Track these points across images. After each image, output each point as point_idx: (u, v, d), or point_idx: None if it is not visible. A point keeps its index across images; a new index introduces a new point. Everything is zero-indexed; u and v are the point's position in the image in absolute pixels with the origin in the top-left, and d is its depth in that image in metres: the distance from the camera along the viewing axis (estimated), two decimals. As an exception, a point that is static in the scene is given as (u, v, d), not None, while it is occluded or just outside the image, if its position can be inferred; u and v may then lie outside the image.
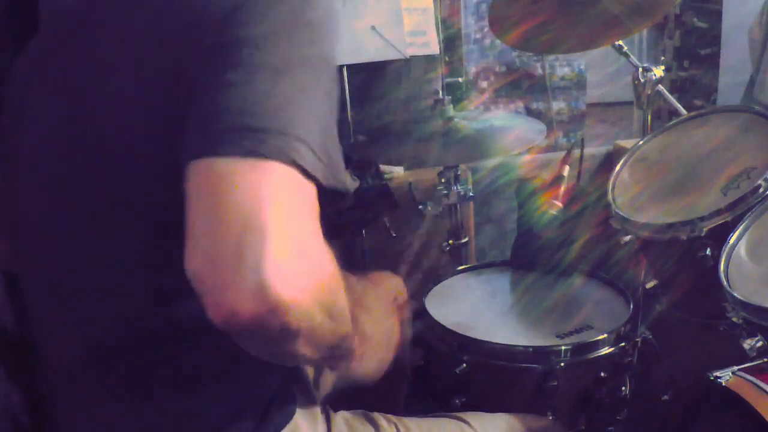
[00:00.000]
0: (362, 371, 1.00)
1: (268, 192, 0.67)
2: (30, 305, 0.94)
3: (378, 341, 1.03)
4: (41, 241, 0.90)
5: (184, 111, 0.72)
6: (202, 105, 0.71)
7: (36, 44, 0.92)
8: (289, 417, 0.94)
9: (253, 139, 0.67)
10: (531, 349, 1.23)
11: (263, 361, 0.89)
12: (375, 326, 1.01)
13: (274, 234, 0.65)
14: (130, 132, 0.78)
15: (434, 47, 2.30)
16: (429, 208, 1.68)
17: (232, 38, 0.72)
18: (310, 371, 1.10)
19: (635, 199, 1.44)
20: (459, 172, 1.69)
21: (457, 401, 1.25)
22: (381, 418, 1.07)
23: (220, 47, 0.72)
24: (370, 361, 1.01)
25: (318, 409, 1.01)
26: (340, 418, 1.04)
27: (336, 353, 0.81)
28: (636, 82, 1.66)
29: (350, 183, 1.24)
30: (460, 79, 3.04)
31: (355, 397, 1.23)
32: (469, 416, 1.13)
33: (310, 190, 0.70)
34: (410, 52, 2.18)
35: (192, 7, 0.76)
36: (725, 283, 1.13)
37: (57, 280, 0.89)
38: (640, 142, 1.56)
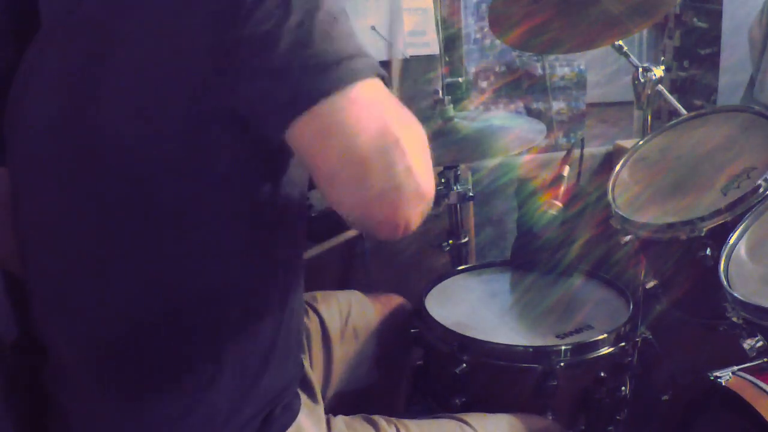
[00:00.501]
0: None
1: (381, 104, 0.76)
2: (33, 304, 0.94)
3: None
4: (41, 240, 0.90)
5: (230, 98, 0.74)
6: (269, 69, 0.73)
7: (37, 43, 0.92)
8: (293, 418, 0.94)
9: (346, 69, 0.73)
10: (531, 349, 1.23)
11: (269, 362, 0.89)
12: None
13: (404, 139, 0.73)
14: (132, 130, 0.78)
15: (434, 47, 2.30)
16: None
17: (247, 35, 0.73)
18: (314, 374, 1.10)
19: (635, 199, 1.44)
20: (459, 172, 1.69)
21: (457, 401, 1.25)
22: (381, 420, 1.07)
23: (257, 28, 0.73)
24: None
25: (321, 411, 1.01)
26: (340, 419, 1.04)
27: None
28: (636, 82, 1.66)
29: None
30: (460, 79, 3.04)
31: (355, 397, 1.23)
32: (469, 417, 1.13)
33: (383, 85, 0.78)
34: (410, 52, 2.18)
35: (195, 3, 0.75)
36: (725, 283, 1.13)
37: (57, 278, 0.89)
38: (640, 142, 1.56)
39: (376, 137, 0.72)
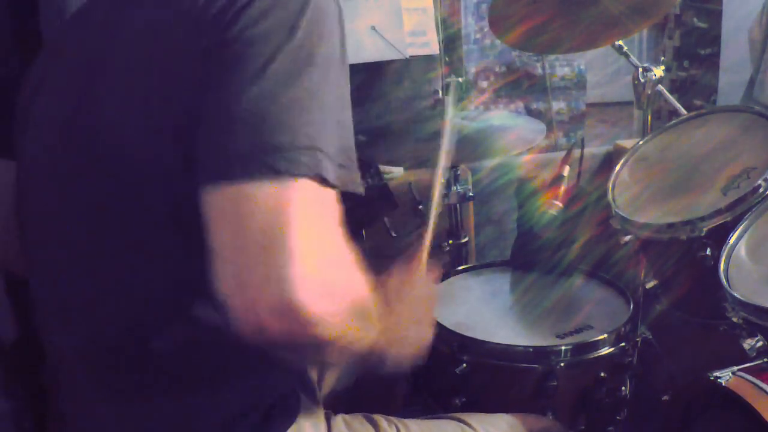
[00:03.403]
0: (395, 358, 0.95)
1: (292, 209, 0.67)
2: (36, 304, 0.94)
3: (411, 329, 0.98)
4: (42, 240, 0.90)
5: (192, 119, 0.71)
6: (222, 120, 0.69)
7: (46, 47, 0.92)
8: (292, 419, 0.94)
9: (272, 158, 0.66)
10: (531, 349, 1.23)
11: (267, 363, 0.89)
12: (407, 313, 0.98)
13: (299, 251, 0.65)
14: (135, 136, 0.78)
15: (434, 47, 2.30)
16: (429, 208, 1.67)
17: (234, 43, 0.71)
18: (313, 372, 1.10)
19: (635, 199, 1.44)
20: (459, 172, 1.69)
21: (457, 401, 1.25)
22: (381, 419, 1.07)
23: (245, 54, 0.70)
24: (405, 346, 0.96)
25: (321, 411, 1.01)
26: (340, 419, 1.04)
27: (366, 354, 0.81)
28: (636, 82, 1.66)
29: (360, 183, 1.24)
30: (460, 79, 3.04)
31: (354, 397, 1.23)
32: (469, 417, 1.13)
33: (332, 198, 0.71)
34: (410, 52, 2.18)
35: (190, 9, 0.75)
36: (725, 283, 1.13)
37: (57, 278, 0.89)
38: (640, 142, 1.56)
39: (272, 238, 0.65)
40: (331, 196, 0.70)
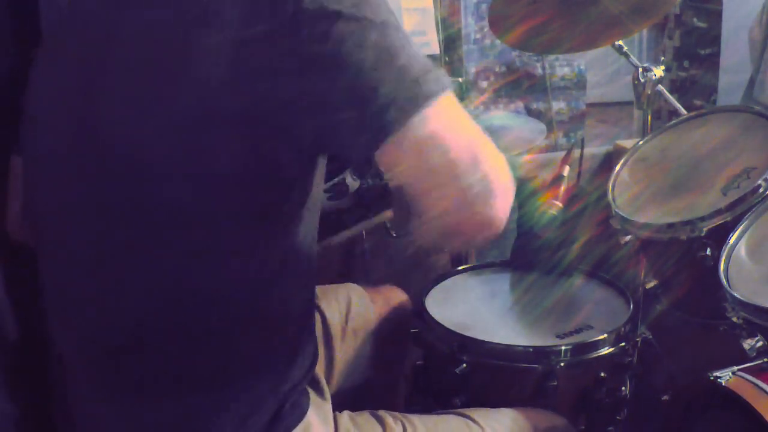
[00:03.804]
0: None
1: (461, 119, 0.80)
2: (43, 301, 0.94)
3: None
4: (48, 238, 0.90)
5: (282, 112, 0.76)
6: (348, 95, 0.75)
7: (47, 42, 0.92)
8: (302, 415, 0.94)
9: (424, 86, 0.76)
10: (531, 349, 1.23)
11: (277, 360, 0.89)
12: None
13: (483, 149, 0.79)
14: (135, 129, 0.78)
15: (434, 47, 2.30)
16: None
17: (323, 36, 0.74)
18: (321, 371, 1.11)
19: (635, 199, 1.44)
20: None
21: (457, 401, 1.25)
22: (387, 416, 1.07)
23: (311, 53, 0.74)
24: None
25: (329, 407, 1.01)
26: (346, 415, 1.05)
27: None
28: (636, 82, 1.66)
29: (350, 183, 1.24)
30: (460, 79, 3.04)
31: (356, 397, 1.23)
32: (473, 412, 1.13)
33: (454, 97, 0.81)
34: (410, 52, 2.18)
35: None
36: (725, 283, 1.13)
37: (63, 277, 0.89)
38: (640, 142, 1.56)
39: (464, 150, 0.77)
40: (451, 96, 0.80)
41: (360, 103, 0.75)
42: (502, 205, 0.80)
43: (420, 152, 0.77)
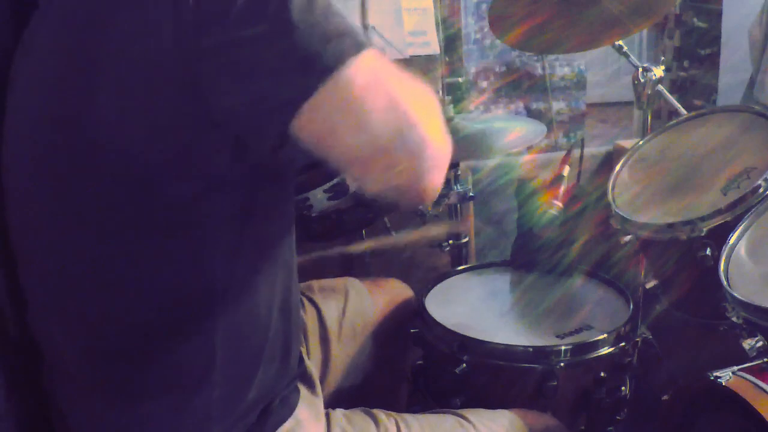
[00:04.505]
0: None
1: (383, 79, 0.75)
2: (30, 306, 0.94)
3: None
4: (36, 241, 0.89)
5: (211, 105, 0.73)
6: (264, 73, 0.72)
7: (27, 34, 0.90)
8: (291, 411, 0.94)
9: (333, 48, 0.71)
10: (531, 349, 1.23)
11: (266, 357, 0.89)
12: None
13: (413, 108, 0.74)
14: (126, 131, 0.78)
15: (434, 47, 2.30)
16: (429, 208, 1.67)
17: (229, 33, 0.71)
18: (314, 369, 1.10)
19: (635, 199, 1.44)
20: (459, 172, 1.69)
21: (456, 401, 1.25)
22: (381, 414, 1.07)
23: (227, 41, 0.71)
24: None
25: (321, 403, 1.01)
26: (339, 413, 1.05)
27: None
28: (636, 82, 1.66)
29: (350, 183, 1.24)
30: (460, 79, 3.04)
31: (355, 396, 1.23)
32: (469, 413, 1.13)
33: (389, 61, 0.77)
34: (410, 52, 2.18)
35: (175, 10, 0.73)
36: (725, 283, 1.13)
37: (53, 280, 0.89)
38: (640, 142, 1.56)
39: (386, 112, 0.72)
40: (377, 53, 0.76)
41: (266, 70, 0.72)
42: (430, 177, 0.75)
43: (334, 120, 0.73)
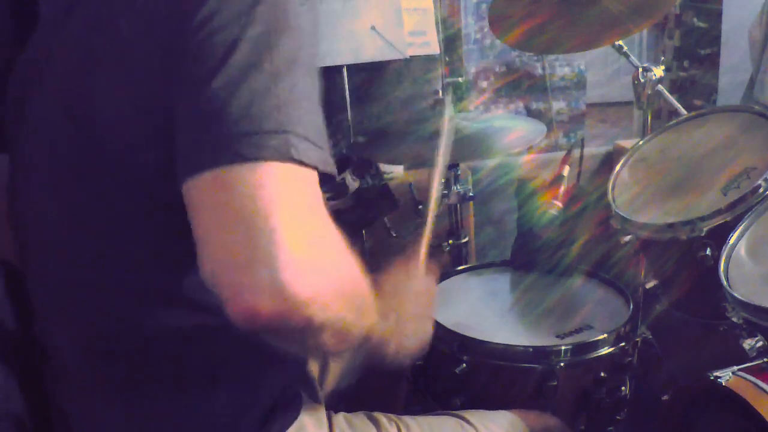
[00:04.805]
0: (396, 353, 0.94)
1: (273, 192, 0.67)
2: (34, 305, 0.94)
3: (411, 324, 0.98)
4: (41, 240, 0.90)
5: (172, 112, 0.72)
6: (191, 113, 0.70)
7: (33, 41, 0.91)
8: (294, 417, 0.94)
9: (249, 144, 0.67)
10: (531, 349, 1.23)
11: (268, 362, 0.89)
12: (407, 308, 0.98)
13: (284, 232, 0.65)
14: (126, 131, 0.78)
15: (434, 47, 2.30)
16: (429, 208, 1.67)
17: (217, 38, 0.70)
18: (314, 370, 1.10)
19: (635, 199, 1.44)
20: (459, 172, 1.69)
21: (456, 401, 1.25)
22: (382, 417, 1.07)
23: (204, 46, 0.70)
24: (405, 341, 0.96)
25: (323, 409, 1.01)
26: (341, 417, 1.04)
27: (364, 343, 0.81)
28: (636, 82, 1.66)
29: (350, 183, 1.24)
30: (460, 79, 3.04)
31: (354, 397, 1.23)
32: (469, 414, 1.13)
33: (313, 180, 0.71)
34: (410, 52, 2.18)
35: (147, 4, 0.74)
36: (725, 283, 1.13)
37: (57, 279, 0.89)
38: (640, 142, 1.56)
39: (255, 222, 0.66)
40: (312, 178, 0.70)
41: (201, 121, 0.69)
42: (259, 306, 0.65)
43: (217, 205, 0.67)
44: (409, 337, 0.96)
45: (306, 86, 0.73)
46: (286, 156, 0.68)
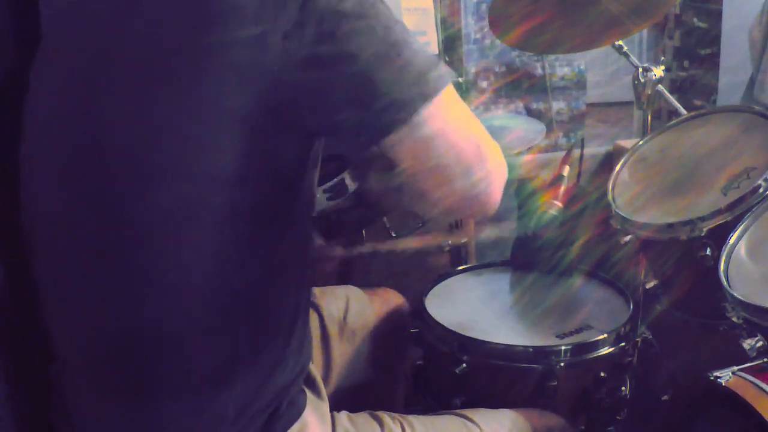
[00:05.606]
0: None
1: (463, 113, 0.84)
2: (39, 303, 0.94)
3: None
4: (44, 239, 0.90)
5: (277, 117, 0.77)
6: (349, 96, 0.78)
7: (42, 49, 0.92)
8: (298, 414, 0.94)
9: (429, 79, 0.79)
10: (531, 349, 1.23)
11: (273, 359, 0.89)
12: None
13: (487, 142, 0.84)
14: (137, 130, 0.78)
15: (434, 47, 2.30)
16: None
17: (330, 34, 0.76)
18: (317, 369, 1.11)
19: (635, 199, 1.44)
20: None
21: (457, 401, 1.25)
22: (385, 416, 1.07)
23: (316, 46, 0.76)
24: None
25: (326, 406, 1.01)
26: (344, 416, 1.05)
27: None
28: (636, 82, 1.66)
29: (350, 183, 1.24)
30: (460, 79, 3.04)
31: (355, 397, 1.23)
32: (472, 413, 1.13)
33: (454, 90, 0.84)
34: (410, 52, 2.18)
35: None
36: (725, 283, 1.13)
37: (59, 278, 0.89)
38: (640, 142, 1.56)
39: (469, 146, 0.81)
40: (451, 89, 0.83)
41: (362, 102, 0.77)
42: (498, 193, 0.85)
43: (424, 150, 0.80)
44: None
45: (408, 35, 0.82)
46: (446, 83, 0.81)
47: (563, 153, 1.72)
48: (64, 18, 0.88)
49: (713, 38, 3.65)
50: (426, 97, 0.78)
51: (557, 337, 1.29)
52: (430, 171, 0.81)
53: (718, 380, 1.04)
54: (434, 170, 0.81)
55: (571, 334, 1.30)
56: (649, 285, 1.47)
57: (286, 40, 0.74)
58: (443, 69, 0.81)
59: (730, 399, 1.02)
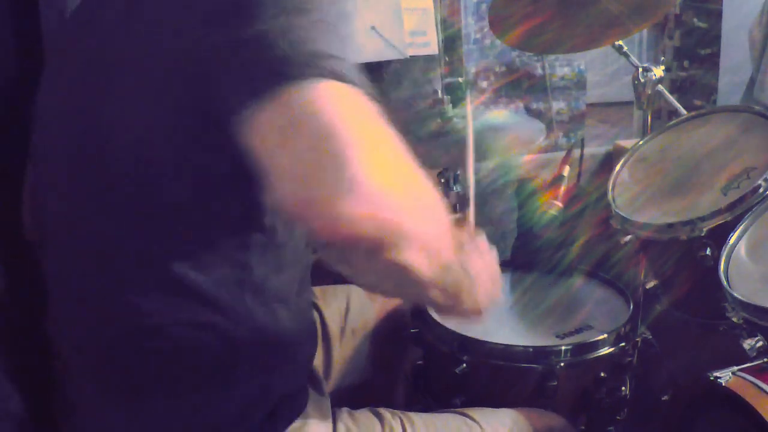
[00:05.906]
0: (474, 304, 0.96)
1: (339, 107, 0.69)
2: (48, 301, 0.94)
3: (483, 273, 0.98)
4: (51, 238, 0.90)
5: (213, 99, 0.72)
6: (242, 57, 0.70)
7: (54, 44, 0.92)
8: (300, 410, 0.94)
9: (293, 68, 0.68)
10: (531, 349, 1.23)
11: (275, 356, 0.89)
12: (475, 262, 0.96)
13: (358, 139, 0.67)
14: (137, 130, 0.78)
15: (434, 47, 2.30)
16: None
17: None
18: (319, 368, 1.11)
19: (635, 199, 1.44)
20: (459, 173, 1.68)
21: (457, 401, 1.25)
22: (386, 413, 1.07)
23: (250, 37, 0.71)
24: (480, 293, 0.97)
25: (328, 403, 1.01)
26: (346, 412, 1.05)
27: (449, 275, 0.80)
28: (636, 82, 1.66)
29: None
30: (460, 79, 3.04)
31: (355, 396, 1.23)
32: (473, 411, 1.13)
33: (364, 97, 0.72)
34: (410, 52, 2.18)
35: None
36: (725, 283, 1.13)
37: (65, 277, 0.90)
38: (640, 142, 1.56)
39: (329, 134, 0.67)
40: (361, 95, 0.71)
41: (246, 54, 0.70)
42: (347, 216, 0.65)
43: (287, 130, 0.68)
44: (482, 289, 0.95)
45: (342, 22, 0.75)
46: (339, 75, 0.69)
47: (563, 153, 1.72)
48: (66, 25, 0.88)
49: (713, 38, 3.65)
50: (296, 78, 0.68)
51: (557, 337, 1.29)
52: (286, 159, 0.68)
53: (718, 380, 1.04)
54: (291, 161, 0.68)
55: (571, 334, 1.30)
56: (649, 285, 1.47)
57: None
58: (347, 66, 0.71)
59: (730, 399, 1.02)
